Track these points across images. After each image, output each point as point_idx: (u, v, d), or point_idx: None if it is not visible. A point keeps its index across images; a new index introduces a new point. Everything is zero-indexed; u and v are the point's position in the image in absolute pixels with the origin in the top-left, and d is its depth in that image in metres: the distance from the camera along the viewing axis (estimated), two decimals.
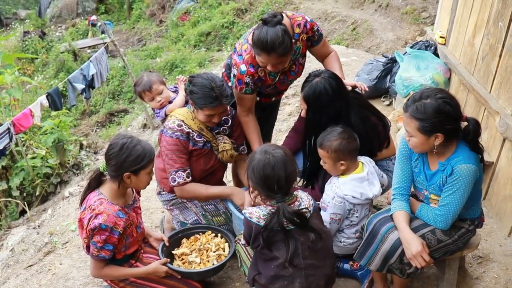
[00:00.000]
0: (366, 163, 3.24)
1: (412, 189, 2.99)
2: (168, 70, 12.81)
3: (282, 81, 3.64)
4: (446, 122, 2.56)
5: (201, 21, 15.25)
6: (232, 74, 3.53)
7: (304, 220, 2.53)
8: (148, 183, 2.96)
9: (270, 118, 4.16)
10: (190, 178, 3.36)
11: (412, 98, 2.64)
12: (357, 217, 3.21)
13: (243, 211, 2.65)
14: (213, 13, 15.17)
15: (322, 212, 3.07)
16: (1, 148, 5.52)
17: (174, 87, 4.10)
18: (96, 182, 2.91)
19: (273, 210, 2.51)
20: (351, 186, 3.11)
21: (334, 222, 3.14)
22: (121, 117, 11.42)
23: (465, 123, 2.66)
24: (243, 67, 3.43)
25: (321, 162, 3.25)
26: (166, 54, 14.14)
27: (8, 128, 5.60)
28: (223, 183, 3.82)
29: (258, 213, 2.54)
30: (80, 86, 7.14)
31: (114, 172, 2.81)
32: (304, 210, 2.57)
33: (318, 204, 3.16)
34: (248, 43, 3.40)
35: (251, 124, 3.61)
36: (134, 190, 3.08)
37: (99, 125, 11.50)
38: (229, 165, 3.89)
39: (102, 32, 16.11)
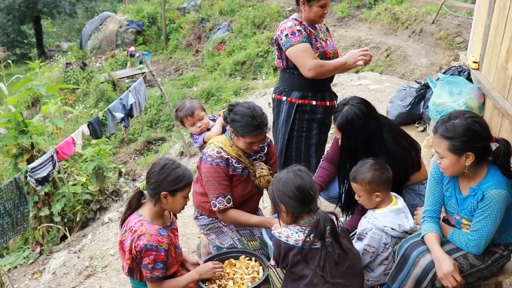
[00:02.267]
0: (398, 197, 3.27)
1: (444, 214, 3.02)
2: (204, 99, 13.01)
3: (324, 45, 3.97)
4: (475, 140, 2.61)
5: (236, 50, 15.51)
6: (286, 43, 3.85)
7: (336, 230, 2.62)
8: (183, 208, 3.06)
9: (323, 136, 4.27)
10: (231, 203, 3.48)
11: (441, 120, 2.71)
12: (388, 251, 3.22)
13: (272, 231, 2.74)
14: (248, 42, 15.42)
15: (357, 242, 3.11)
16: (45, 175, 5.71)
17: (212, 116, 4.28)
18: (136, 201, 3.03)
19: (301, 230, 2.62)
20: (390, 218, 3.12)
21: (367, 254, 3.14)
22: (159, 145, 11.63)
23: (495, 145, 2.70)
24: (289, 23, 3.86)
25: (356, 197, 3.29)
26: (202, 83, 14.38)
27: (52, 156, 5.80)
28: (258, 209, 3.91)
29: (286, 232, 2.64)
30: (119, 115, 7.34)
31: (152, 190, 2.92)
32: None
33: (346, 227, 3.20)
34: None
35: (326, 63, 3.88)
36: (170, 212, 3.18)
37: (137, 153, 11.73)
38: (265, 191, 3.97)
39: (140, 63, 16.56)
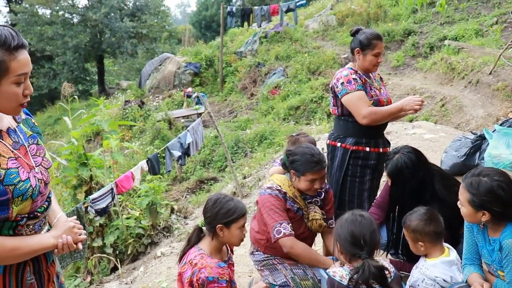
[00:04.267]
0: (451, 248, 3.27)
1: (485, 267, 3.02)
2: (257, 142, 13.18)
3: (378, 94, 4.09)
4: (494, 203, 2.67)
5: (291, 95, 15.73)
6: (342, 91, 3.98)
7: (385, 279, 2.66)
8: (242, 240, 3.16)
9: (376, 182, 4.32)
10: (293, 232, 3.54)
11: (472, 172, 2.81)
12: None
13: (327, 271, 2.81)
14: (303, 88, 15.64)
15: None
16: (104, 206, 5.94)
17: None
18: (195, 237, 3.16)
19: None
20: (442, 269, 3.10)
21: None
22: (211, 184, 11.78)
23: None
24: (345, 72, 4.01)
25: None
26: (256, 126, 14.62)
27: (112, 188, 6.04)
28: None
29: (341, 272, 2.72)
30: (177, 153, 7.57)
31: (208, 224, 3.08)
32: (386, 272, 2.69)
33: (401, 273, 3.22)
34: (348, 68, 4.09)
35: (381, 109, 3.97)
36: (228, 247, 3.29)
37: (189, 191, 11.91)
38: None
39: (196, 103, 16.99)
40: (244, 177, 10.04)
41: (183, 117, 17.09)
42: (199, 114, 15.75)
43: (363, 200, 4.18)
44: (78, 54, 30.33)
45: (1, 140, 2.14)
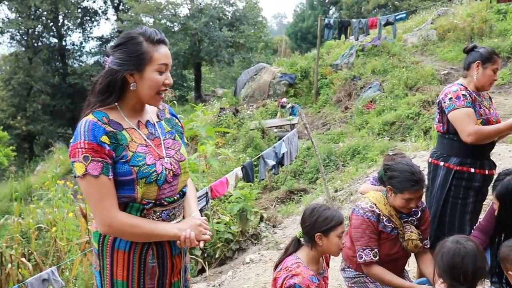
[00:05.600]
0: None
1: None
2: (350, 156, 13.00)
3: (487, 113, 3.92)
4: None
5: (386, 110, 15.41)
6: (449, 107, 3.85)
7: None
8: (340, 249, 3.16)
9: (479, 205, 4.15)
10: (377, 258, 3.48)
11: None
12: None
13: None
14: (399, 103, 15.27)
15: None
16: (198, 209, 6.09)
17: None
18: (292, 247, 3.20)
19: None
20: None
21: None
22: (301, 195, 11.77)
23: None
24: (454, 87, 3.89)
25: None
26: (349, 140, 14.43)
27: (206, 192, 6.19)
28: (404, 270, 3.86)
29: None
30: (271, 162, 7.64)
31: (307, 234, 3.10)
32: None
33: None
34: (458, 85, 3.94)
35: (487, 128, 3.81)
36: (324, 260, 3.28)
37: (278, 201, 11.94)
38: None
39: (290, 114, 17.05)
40: (336, 191, 9.95)
41: (276, 127, 17.19)
42: (292, 125, 15.79)
43: (464, 223, 4.02)
44: (177, 61, 31.37)
45: (137, 129, 2.45)
